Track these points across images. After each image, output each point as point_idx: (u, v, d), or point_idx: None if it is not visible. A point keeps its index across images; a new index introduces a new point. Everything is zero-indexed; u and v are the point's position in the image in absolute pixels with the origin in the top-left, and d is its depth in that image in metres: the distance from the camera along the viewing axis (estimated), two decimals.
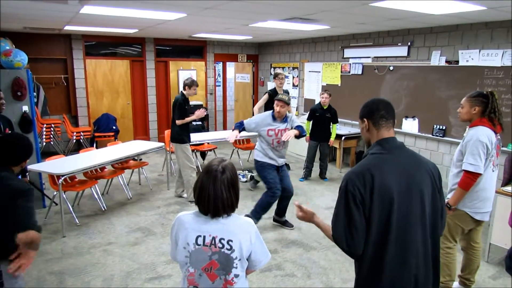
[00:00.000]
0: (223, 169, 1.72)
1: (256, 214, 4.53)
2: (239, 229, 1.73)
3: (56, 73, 8.10)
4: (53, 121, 7.80)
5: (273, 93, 6.02)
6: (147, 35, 8.36)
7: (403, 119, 6.49)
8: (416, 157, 1.76)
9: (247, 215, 4.40)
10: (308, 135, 6.56)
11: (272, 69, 9.83)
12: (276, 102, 4.36)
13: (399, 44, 6.48)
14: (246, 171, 6.73)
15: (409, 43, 6.31)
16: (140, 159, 6.33)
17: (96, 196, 5.18)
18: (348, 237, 1.63)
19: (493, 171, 2.96)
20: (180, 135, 5.38)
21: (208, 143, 7.05)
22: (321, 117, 6.43)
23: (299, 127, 4.40)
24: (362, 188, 1.60)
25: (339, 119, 6.66)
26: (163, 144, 6.25)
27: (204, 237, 1.71)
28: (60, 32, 7.64)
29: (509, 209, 3.62)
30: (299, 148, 8.12)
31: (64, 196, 4.60)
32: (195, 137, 6.21)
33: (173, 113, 5.42)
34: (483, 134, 2.79)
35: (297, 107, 9.12)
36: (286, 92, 6.21)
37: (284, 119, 4.43)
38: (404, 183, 1.64)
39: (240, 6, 4.37)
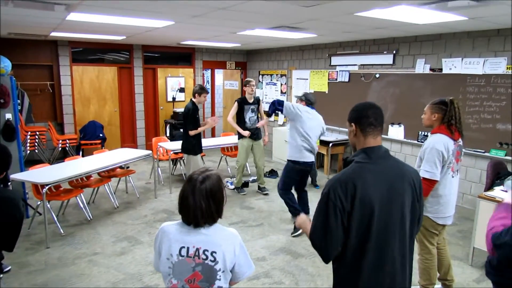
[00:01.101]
0: (203, 179, 1.71)
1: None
2: (223, 240, 1.72)
3: (42, 80, 8.01)
4: (38, 129, 7.70)
5: (242, 101, 6.02)
6: (135, 42, 8.34)
7: (389, 126, 6.57)
8: (400, 166, 1.79)
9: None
10: None
11: (261, 76, 9.88)
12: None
13: (385, 52, 6.58)
14: (234, 178, 6.72)
15: (394, 51, 6.42)
16: (127, 167, 6.28)
17: (82, 205, 5.11)
18: (322, 242, 1.69)
19: (452, 177, 3.04)
20: (194, 146, 5.29)
21: None
22: None
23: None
24: (343, 197, 1.63)
25: (327, 126, 6.68)
26: (151, 152, 6.21)
27: (188, 248, 1.70)
28: (46, 38, 7.57)
29: (491, 214, 3.69)
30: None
31: (48, 205, 4.53)
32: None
33: (184, 123, 5.32)
34: (440, 142, 2.87)
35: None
36: (257, 99, 6.24)
37: None
38: (386, 193, 1.67)
39: (228, 14, 4.40)
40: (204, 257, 1.69)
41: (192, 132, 5.19)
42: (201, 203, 1.68)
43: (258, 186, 6.43)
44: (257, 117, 6.18)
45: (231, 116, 6.07)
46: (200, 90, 5.23)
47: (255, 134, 6.16)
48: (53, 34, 6.71)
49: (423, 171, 2.90)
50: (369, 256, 1.65)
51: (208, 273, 1.69)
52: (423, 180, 2.87)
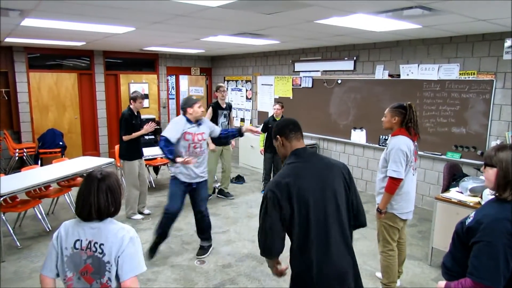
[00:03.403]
0: (102, 177, 1.80)
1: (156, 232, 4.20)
2: (111, 233, 1.78)
3: None
4: None
5: (215, 106, 6.04)
6: (96, 47, 8.12)
7: (352, 130, 6.74)
8: (328, 161, 2.04)
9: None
10: (262, 147, 6.64)
11: (226, 82, 9.89)
12: (199, 104, 4.01)
13: (346, 58, 6.76)
14: None
15: (354, 58, 6.60)
16: None
17: (40, 217, 4.89)
18: (264, 239, 1.90)
19: (413, 175, 3.29)
20: (128, 151, 5.23)
21: (161, 157, 6.91)
22: None
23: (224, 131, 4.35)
24: (280, 195, 1.83)
25: None
26: (114, 159, 6.06)
27: (82, 241, 1.78)
28: (0, 44, 7.24)
29: (448, 215, 3.86)
30: (254, 161, 8.18)
31: (3, 217, 4.32)
32: (147, 151, 6.08)
33: (120, 129, 5.26)
34: (403, 143, 3.11)
35: (250, 119, 9.20)
36: (229, 105, 6.26)
37: (198, 122, 4.06)
38: (318, 184, 1.89)
39: (189, 21, 4.38)
40: (94, 249, 1.76)
41: (125, 138, 5.13)
42: (99, 200, 1.76)
43: (222, 191, 6.41)
44: (228, 123, 6.19)
45: None
46: (135, 97, 5.19)
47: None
48: (8, 39, 6.43)
49: (390, 171, 3.11)
50: (314, 242, 1.84)
51: (98, 265, 1.76)
52: (390, 179, 3.11)
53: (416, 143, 3.25)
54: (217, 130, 4.29)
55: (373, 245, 4.48)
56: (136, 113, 5.27)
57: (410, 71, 5.80)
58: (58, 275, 1.83)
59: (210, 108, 6.02)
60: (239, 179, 7.40)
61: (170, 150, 3.86)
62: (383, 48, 6.19)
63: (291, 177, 1.86)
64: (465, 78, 5.20)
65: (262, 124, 6.71)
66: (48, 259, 1.81)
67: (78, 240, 1.78)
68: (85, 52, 8.54)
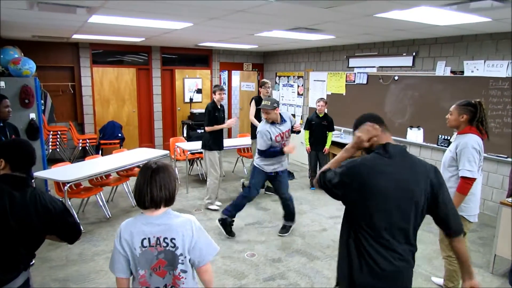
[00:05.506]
0: (158, 168, 1.83)
1: (228, 212, 4.64)
2: (180, 227, 1.83)
3: (63, 81, 8.19)
4: (60, 128, 7.88)
5: (258, 99, 6.05)
6: (154, 43, 8.45)
7: (408, 129, 6.48)
8: (414, 161, 1.90)
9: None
10: (308, 145, 6.58)
11: (278, 77, 9.88)
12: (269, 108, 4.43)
13: (404, 54, 6.50)
14: (244, 180, 6.73)
15: (414, 54, 6.33)
16: None
17: (101, 203, 5.20)
18: (328, 181, 1.92)
19: (480, 175, 3.14)
20: (210, 142, 5.48)
21: None
22: (318, 126, 6.46)
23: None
24: (351, 176, 1.83)
25: (342, 128, 6.66)
26: (168, 152, 6.28)
27: (149, 238, 1.80)
28: (68, 41, 7.74)
29: None
30: (303, 157, 8.10)
31: (69, 203, 4.63)
32: (198, 145, 6.21)
33: (204, 120, 5.55)
34: (475, 142, 2.97)
35: (301, 115, 9.14)
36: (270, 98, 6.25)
37: (282, 120, 4.53)
38: (394, 185, 1.80)
39: (246, 16, 4.42)
40: (165, 244, 1.80)
41: (207, 129, 5.40)
42: (152, 189, 1.79)
43: (269, 188, 6.41)
44: None
45: (252, 116, 6.11)
46: (214, 89, 5.51)
47: None
48: (75, 36, 6.86)
49: (464, 170, 2.97)
50: (371, 242, 1.81)
51: (171, 258, 1.81)
52: (464, 179, 2.98)
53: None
54: (294, 120, 4.80)
55: (428, 249, 4.30)
56: (219, 106, 5.51)
57: (475, 68, 5.46)
58: (131, 273, 1.87)
59: (253, 101, 6.06)
60: (288, 175, 7.37)
61: (272, 152, 4.43)
62: (445, 43, 5.87)
63: (370, 166, 1.83)
64: None
65: (305, 121, 6.63)
66: (117, 263, 1.83)
67: (145, 238, 1.79)
68: (143, 48, 8.91)
